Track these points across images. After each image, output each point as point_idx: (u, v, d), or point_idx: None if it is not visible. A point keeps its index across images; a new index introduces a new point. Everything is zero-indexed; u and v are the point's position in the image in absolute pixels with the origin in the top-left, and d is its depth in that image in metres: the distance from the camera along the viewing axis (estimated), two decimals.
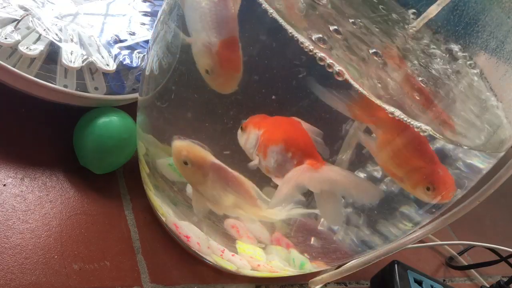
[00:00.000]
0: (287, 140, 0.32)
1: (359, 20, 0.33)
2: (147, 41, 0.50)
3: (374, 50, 0.32)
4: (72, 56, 0.44)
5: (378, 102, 0.29)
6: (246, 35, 0.32)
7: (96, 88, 0.45)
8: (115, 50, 0.47)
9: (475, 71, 0.35)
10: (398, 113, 0.29)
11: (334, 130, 0.32)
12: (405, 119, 0.30)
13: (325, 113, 0.31)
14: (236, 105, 0.34)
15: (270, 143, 0.33)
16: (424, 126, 0.30)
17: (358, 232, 0.37)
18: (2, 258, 0.36)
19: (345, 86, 0.29)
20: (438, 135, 0.31)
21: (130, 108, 0.46)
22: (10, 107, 0.46)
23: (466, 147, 0.34)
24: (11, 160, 0.42)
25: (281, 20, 0.30)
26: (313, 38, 0.30)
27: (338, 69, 0.29)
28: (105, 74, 0.46)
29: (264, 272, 0.43)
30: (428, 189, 0.34)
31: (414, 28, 0.33)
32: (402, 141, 0.31)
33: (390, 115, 0.29)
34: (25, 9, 0.45)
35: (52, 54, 0.44)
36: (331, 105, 0.30)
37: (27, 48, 0.42)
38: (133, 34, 0.50)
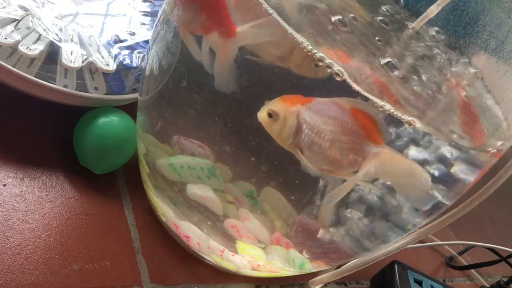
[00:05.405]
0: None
1: (359, 20, 0.33)
2: (147, 41, 0.50)
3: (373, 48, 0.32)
4: (72, 56, 0.44)
5: (377, 100, 0.29)
6: None
7: (96, 88, 0.45)
8: (115, 50, 0.47)
9: (474, 70, 0.35)
10: (388, 106, 0.29)
11: None
12: (396, 113, 0.29)
13: None
14: (236, 105, 0.34)
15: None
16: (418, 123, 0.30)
17: (358, 232, 0.37)
18: (2, 258, 0.36)
19: (344, 87, 0.29)
20: (438, 134, 0.31)
21: (130, 108, 0.46)
22: (10, 107, 0.46)
23: (466, 147, 0.34)
24: (11, 160, 0.42)
25: (281, 20, 0.30)
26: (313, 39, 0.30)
27: (337, 69, 0.29)
28: (105, 74, 0.46)
29: (264, 272, 0.43)
30: None
31: (414, 28, 0.33)
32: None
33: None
34: (25, 9, 0.45)
35: (52, 54, 0.44)
36: None
37: (27, 48, 0.42)
38: (133, 34, 0.50)
